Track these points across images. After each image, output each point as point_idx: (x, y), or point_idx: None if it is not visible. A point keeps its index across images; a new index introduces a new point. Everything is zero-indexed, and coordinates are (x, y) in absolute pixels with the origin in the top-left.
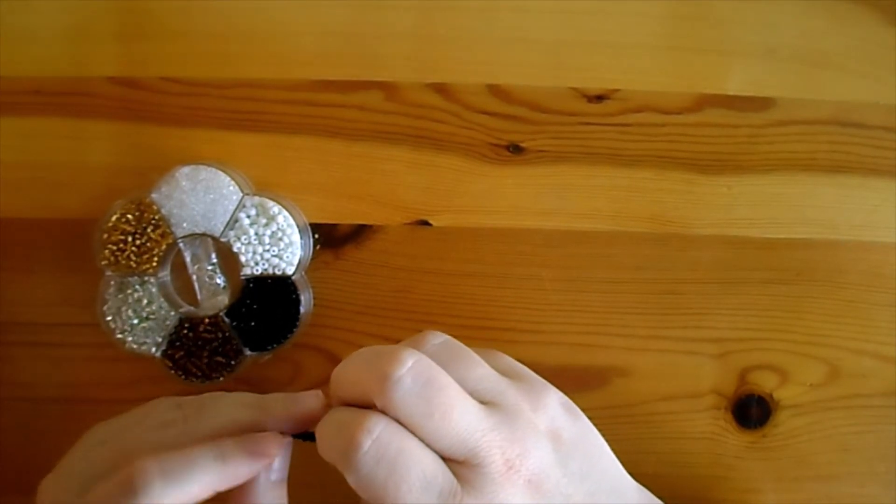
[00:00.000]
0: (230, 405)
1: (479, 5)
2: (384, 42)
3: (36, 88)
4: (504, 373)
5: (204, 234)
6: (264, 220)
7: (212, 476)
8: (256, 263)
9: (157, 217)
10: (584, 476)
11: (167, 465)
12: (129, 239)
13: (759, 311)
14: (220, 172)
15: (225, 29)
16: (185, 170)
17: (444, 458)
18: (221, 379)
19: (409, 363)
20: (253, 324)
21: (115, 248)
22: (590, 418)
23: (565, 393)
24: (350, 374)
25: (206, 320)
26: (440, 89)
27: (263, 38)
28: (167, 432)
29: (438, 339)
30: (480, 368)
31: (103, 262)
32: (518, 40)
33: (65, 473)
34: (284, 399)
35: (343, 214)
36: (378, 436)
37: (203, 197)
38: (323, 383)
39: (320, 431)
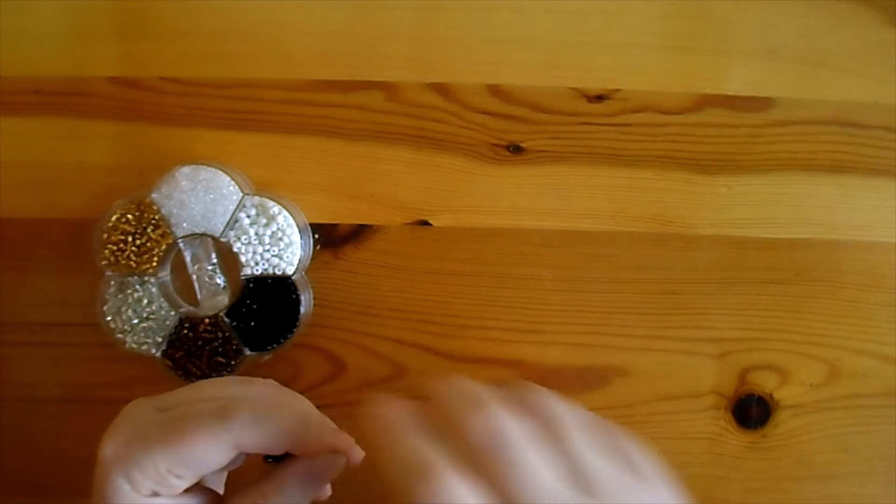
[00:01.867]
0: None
1: (479, 5)
2: (384, 42)
3: (35, 88)
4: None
5: (204, 234)
6: (264, 220)
7: (292, 431)
8: (256, 263)
9: (157, 217)
10: None
11: (258, 408)
12: (129, 239)
13: (759, 311)
14: (220, 172)
15: (225, 29)
16: (185, 170)
17: None
18: None
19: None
20: (253, 324)
21: (115, 248)
22: None
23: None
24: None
25: (206, 320)
26: (440, 89)
27: (263, 38)
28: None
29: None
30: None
31: (103, 262)
32: (518, 40)
33: (131, 415)
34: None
35: (343, 214)
36: None
37: (203, 197)
38: (323, 383)
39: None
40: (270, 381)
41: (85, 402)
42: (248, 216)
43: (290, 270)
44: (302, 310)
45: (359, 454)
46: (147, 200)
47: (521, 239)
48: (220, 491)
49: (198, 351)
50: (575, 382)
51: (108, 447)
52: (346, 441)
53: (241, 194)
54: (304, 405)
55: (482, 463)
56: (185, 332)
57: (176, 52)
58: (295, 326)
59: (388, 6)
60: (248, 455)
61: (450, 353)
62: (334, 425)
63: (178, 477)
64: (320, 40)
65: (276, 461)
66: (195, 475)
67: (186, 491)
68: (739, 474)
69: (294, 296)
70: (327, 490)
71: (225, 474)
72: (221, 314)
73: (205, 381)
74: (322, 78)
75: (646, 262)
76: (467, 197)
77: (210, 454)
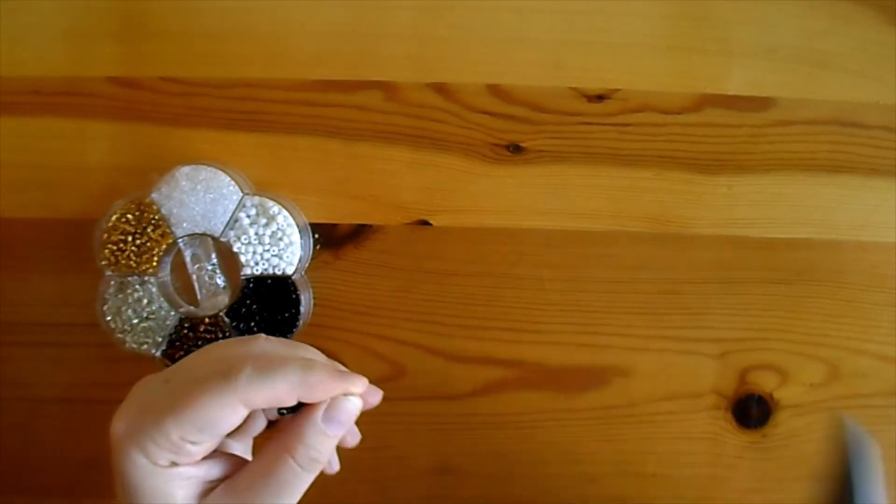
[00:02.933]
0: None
1: (479, 5)
2: (384, 42)
3: (35, 88)
4: None
5: (204, 234)
6: (264, 220)
7: (297, 381)
8: (256, 263)
9: (157, 217)
10: None
11: (261, 363)
12: (129, 239)
13: (759, 311)
14: (220, 172)
15: (225, 29)
16: (185, 170)
17: None
18: None
19: None
20: (253, 324)
21: (115, 248)
22: (590, 418)
23: (566, 393)
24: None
25: (206, 320)
26: (440, 89)
27: (263, 38)
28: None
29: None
30: None
31: (103, 262)
32: (518, 40)
33: (140, 392)
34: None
35: (343, 214)
36: None
37: (203, 197)
38: None
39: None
40: (274, 337)
41: (85, 402)
42: (248, 216)
43: (290, 270)
44: (302, 310)
45: (375, 394)
46: (147, 200)
47: (521, 239)
48: (248, 457)
49: None
50: (575, 382)
51: (120, 424)
52: (357, 382)
53: (241, 194)
54: (309, 353)
55: None
56: (185, 332)
57: (176, 52)
58: (295, 326)
59: (388, 6)
60: (268, 417)
61: (450, 353)
62: (343, 368)
63: (192, 443)
64: (320, 40)
65: (290, 411)
66: (210, 439)
67: (209, 458)
68: (739, 474)
69: (294, 296)
70: (356, 435)
71: (250, 441)
72: (221, 314)
73: (207, 346)
74: (322, 78)
75: (646, 262)
76: (467, 197)
77: (220, 415)
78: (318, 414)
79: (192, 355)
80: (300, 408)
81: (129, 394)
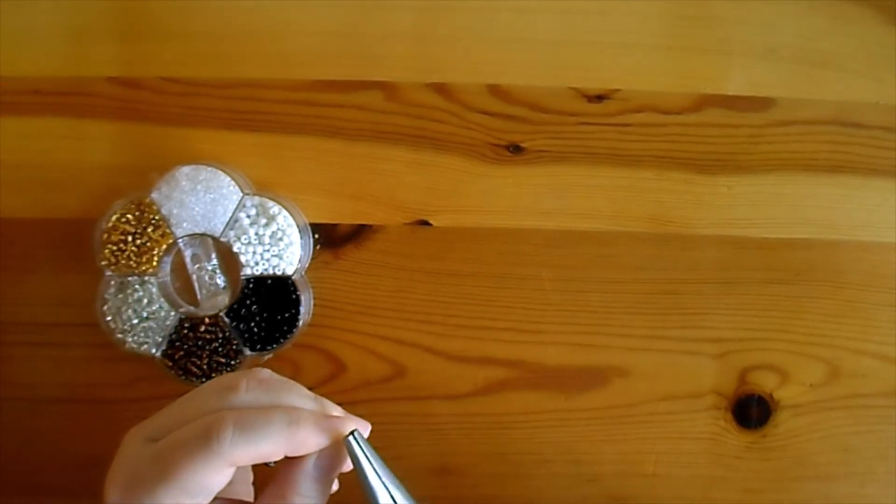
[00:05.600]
0: (299, 396)
1: (479, 5)
2: (384, 42)
3: (36, 88)
4: None
5: (204, 234)
6: (264, 220)
7: (282, 439)
8: (256, 263)
9: (157, 217)
10: None
11: (244, 419)
12: (129, 239)
13: (759, 311)
14: (220, 172)
15: (225, 29)
16: (186, 170)
17: None
18: None
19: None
20: (253, 324)
21: (115, 248)
22: (590, 418)
23: (566, 393)
24: None
25: (206, 320)
26: (440, 89)
27: (263, 38)
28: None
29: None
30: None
31: (103, 262)
32: (518, 40)
33: (126, 454)
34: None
35: (343, 214)
36: None
37: (203, 197)
38: (323, 383)
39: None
40: (255, 377)
41: (85, 402)
42: (248, 216)
43: (290, 270)
44: (302, 310)
45: (365, 428)
46: (147, 200)
47: (521, 239)
48: (250, 492)
49: (198, 351)
50: (575, 382)
51: (113, 495)
52: (346, 425)
53: (241, 194)
54: (294, 396)
55: None
56: (185, 332)
57: (176, 52)
58: (295, 326)
59: (388, 6)
60: None
61: (450, 353)
62: (333, 410)
63: None
64: (320, 40)
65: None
66: (205, 499)
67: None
68: (739, 474)
69: (294, 296)
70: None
71: (250, 476)
72: (221, 314)
73: (190, 393)
74: (322, 78)
75: (646, 262)
76: (467, 197)
77: (209, 479)
78: (309, 462)
79: (173, 405)
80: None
81: (116, 456)
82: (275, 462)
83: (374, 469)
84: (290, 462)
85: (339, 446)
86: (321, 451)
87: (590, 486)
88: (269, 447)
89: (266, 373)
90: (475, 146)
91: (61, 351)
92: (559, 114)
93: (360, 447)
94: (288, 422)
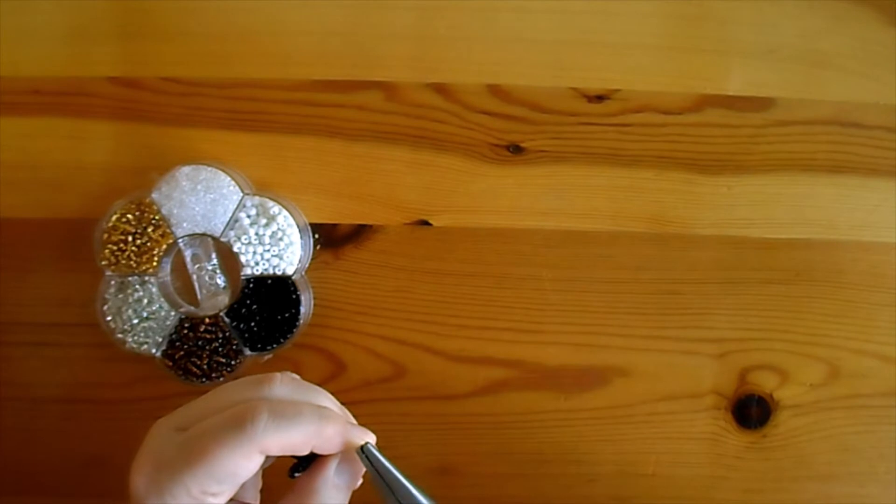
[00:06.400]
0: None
1: (479, 5)
2: (384, 42)
3: (36, 88)
4: None
5: (204, 234)
6: (264, 220)
7: (312, 431)
8: (256, 263)
9: (157, 217)
10: None
11: (278, 409)
12: (129, 239)
13: (759, 311)
14: (220, 172)
15: (225, 29)
16: (186, 170)
17: None
18: (221, 379)
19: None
20: (253, 324)
21: (115, 248)
22: (590, 418)
23: (566, 393)
24: None
25: (207, 320)
26: (440, 89)
27: (263, 38)
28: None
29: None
30: None
31: (103, 262)
32: (518, 40)
33: (153, 443)
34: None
35: (343, 214)
36: None
37: (203, 197)
38: (323, 383)
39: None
40: (288, 375)
41: (85, 402)
42: (248, 216)
43: (290, 270)
44: (302, 310)
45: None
46: (147, 200)
47: (521, 239)
48: (257, 498)
49: (198, 351)
50: (575, 382)
51: (138, 479)
52: (368, 434)
53: (241, 194)
54: (322, 398)
55: None
56: (185, 332)
57: (176, 52)
58: (295, 326)
59: (388, 6)
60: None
61: (450, 353)
62: (353, 418)
63: (213, 495)
64: (320, 40)
65: (304, 469)
66: (230, 488)
67: None
68: (739, 474)
69: (294, 296)
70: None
71: (259, 483)
72: (221, 314)
73: (221, 386)
74: (322, 78)
75: (646, 262)
76: (467, 197)
77: (238, 465)
78: (331, 470)
79: (204, 397)
80: (312, 460)
81: (143, 444)
82: (299, 468)
83: (401, 476)
84: (311, 471)
85: (355, 457)
86: (343, 456)
87: (590, 486)
88: (300, 437)
89: (296, 376)
90: (475, 146)
91: (61, 351)
92: (559, 114)
93: (382, 457)
94: (319, 416)
